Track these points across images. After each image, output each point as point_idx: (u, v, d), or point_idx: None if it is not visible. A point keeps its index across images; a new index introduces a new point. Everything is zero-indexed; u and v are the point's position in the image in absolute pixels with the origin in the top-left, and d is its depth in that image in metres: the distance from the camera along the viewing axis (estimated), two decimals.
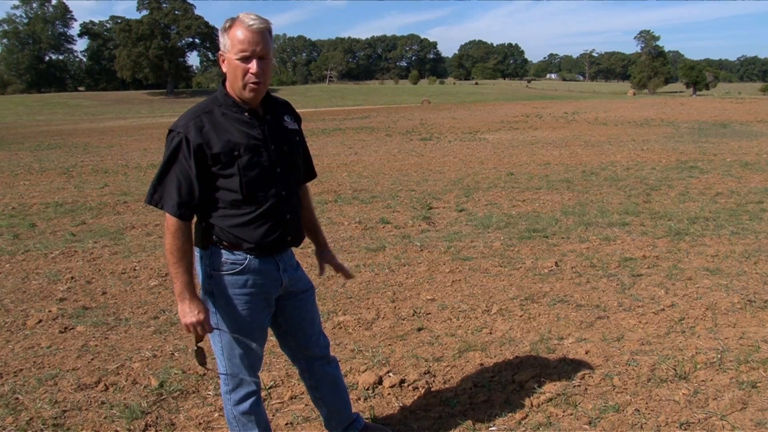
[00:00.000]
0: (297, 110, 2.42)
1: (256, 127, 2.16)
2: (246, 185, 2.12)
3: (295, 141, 2.29)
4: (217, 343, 2.27)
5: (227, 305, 2.20)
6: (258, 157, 2.14)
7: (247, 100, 2.14)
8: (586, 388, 3.12)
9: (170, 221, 2.09)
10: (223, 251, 2.18)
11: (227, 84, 2.15)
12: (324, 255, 2.59)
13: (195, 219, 2.19)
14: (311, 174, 2.50)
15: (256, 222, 2.16)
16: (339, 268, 2.61)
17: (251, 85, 2.08)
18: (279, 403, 3.12)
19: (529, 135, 18.30)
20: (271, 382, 3.30)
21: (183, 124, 2.09)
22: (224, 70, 2.12)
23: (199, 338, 2.22)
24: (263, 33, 2.05)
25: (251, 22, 2.03)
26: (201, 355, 2.23)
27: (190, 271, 2.13)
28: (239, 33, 2.03)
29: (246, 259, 2.18)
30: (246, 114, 2.15)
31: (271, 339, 2.52)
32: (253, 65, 2.05)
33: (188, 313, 2.11)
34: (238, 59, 2.04)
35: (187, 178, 2.07)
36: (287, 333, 2.43)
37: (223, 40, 2.08)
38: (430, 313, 4.26)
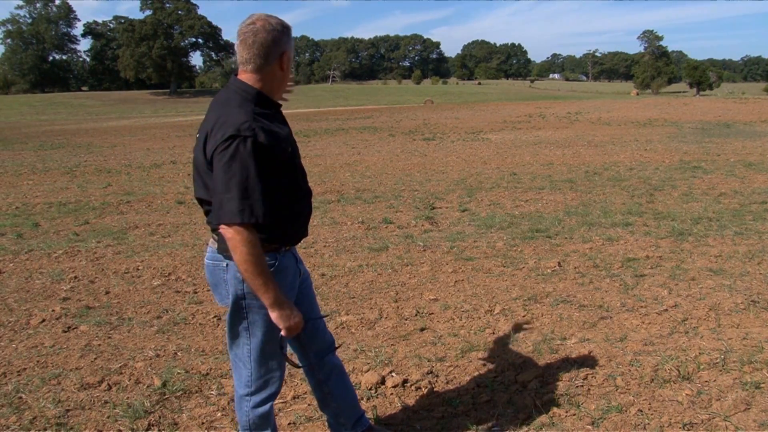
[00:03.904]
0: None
1: (284, 124, 2.21)
2: (298, 181, 2.19)
3: None
4: (244, 345, 2.23)
5: (261, 308, 2.14)
6: (297, 152, 2.23)
7: (280, 97, 2.22)
8: (589, 389, 3.11)
9: (249, 230, 1.96)
10: None
11: (262, 84, 2.12)
12: None
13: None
14: None
15: (298, 215, 2.22)
16: None
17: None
18: (282, 402, 3.12)
19: (532, 135, 18.28)
20: None
21: (247, 127, 1.97)
22: (282, 68, 2.13)
23: (285, 344, 2.23)
24: None
25: None
26: (291, 360, 2.26)
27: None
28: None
29: (276, 259, 2.17)
30: (273, 111, 2.18)
31: None
32: None
33: (291, 316, 2.08)
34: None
35: (266, 181, 2.00)
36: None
37: (288, 41, 2.13)
38: (432, 313, 4.26)
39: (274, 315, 2.06)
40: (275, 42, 2.07)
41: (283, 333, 2.12)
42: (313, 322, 2.44)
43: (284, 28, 2.11)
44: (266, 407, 2.32)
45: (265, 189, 2.00)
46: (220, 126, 2.00)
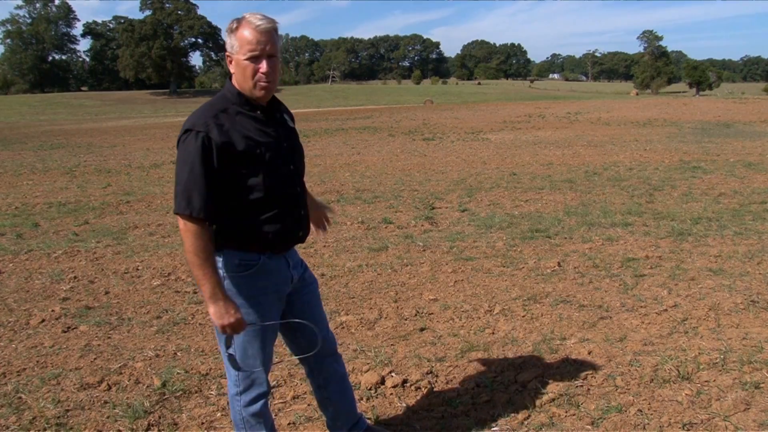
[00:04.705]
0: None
1: (270, 126, 2.17)
2: (269, 184, 2.12)
3: (297, 139, 2.33)
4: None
5: (242, 306, 2.16)
6: (276, 155, 2.15)
7: (258, 99, 2.14)
8: (588, 389, 3.11)
9: (193, 221, 2.02)
10: (237, 252, 2.15)
11: (236, 84, 2.13)
12: (320, 207, 2.67)
13: None
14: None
15: (276, 219, 2.17)
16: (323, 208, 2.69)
17: (261, 84, 2.09)
18: (282, 402, 3.12)
19: (531, 135, 18.29)
20: (274, 382, 3.30)
21: (202, 122, 2.02)
22: (232, 70, 2.11)
23: (231, 343, 2.18)
24: (270, 32, 2.06)
25: (258, 22, 2.04)
26: (234, 361, 2.22)
27: (217, 270, 2.09)
28: (247, 33, 2.04)
29: (259, 258, 2.17)
30: (258, 113, 2.15)
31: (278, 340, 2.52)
32: (263, 65, 2.06)
33: (225, 314, 2.07)
34: (246, 59, 2.05)
35: (211, 177, 2.02)
36: (297, 330, 2.41)
37: (230, 41, 2.07)
38: (432, 313, 4.26)
39: (210, 310, 2.08)
40: (226, 42, 2.10)
41: (219, 330, 2.12)
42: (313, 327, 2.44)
43: (231, 30, 2.07)
44: (257, 406, 2.31)
45: (214, 185, 2.02)
46: (184, 123, 2.08)
